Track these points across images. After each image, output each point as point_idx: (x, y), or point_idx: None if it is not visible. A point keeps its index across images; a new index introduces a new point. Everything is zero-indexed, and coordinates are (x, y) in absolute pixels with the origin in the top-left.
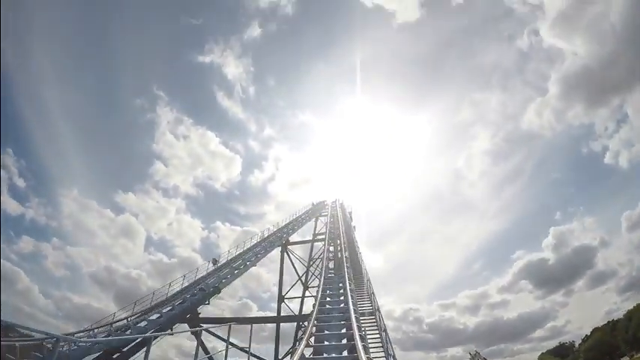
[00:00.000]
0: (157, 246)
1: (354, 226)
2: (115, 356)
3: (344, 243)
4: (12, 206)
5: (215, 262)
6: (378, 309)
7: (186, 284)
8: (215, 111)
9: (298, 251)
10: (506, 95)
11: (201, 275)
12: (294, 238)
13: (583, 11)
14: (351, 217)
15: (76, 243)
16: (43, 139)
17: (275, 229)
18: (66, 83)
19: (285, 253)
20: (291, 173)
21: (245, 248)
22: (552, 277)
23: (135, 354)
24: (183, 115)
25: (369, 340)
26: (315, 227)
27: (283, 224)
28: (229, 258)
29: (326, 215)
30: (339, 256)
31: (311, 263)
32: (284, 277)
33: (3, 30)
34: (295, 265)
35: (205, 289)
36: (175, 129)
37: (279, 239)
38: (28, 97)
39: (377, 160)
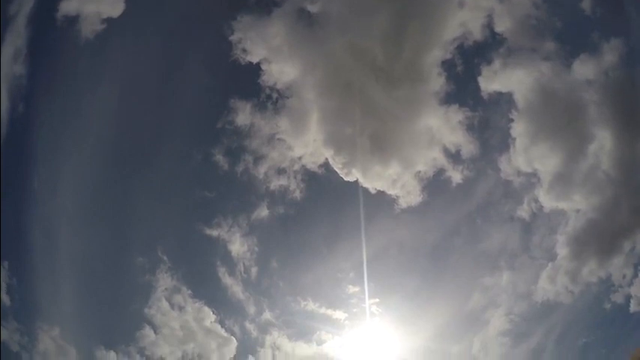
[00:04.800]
0: None
1: None
2: None
3: None
4: None
5: None
6: None
7: None
8: (215, 286)
9: None
10: (515, 273)
11: None
12: None
13: (576, 168)
14: None
15: None
16: (40, 265)
17: None
18: (75, 225)
19: None
20: None
21: None
22: None
23: None
24: (183, 285)
25: None
26: None
27: None
28: None
29: None
30: None
31: None
32: None
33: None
34: None
35: None
36: (172, 297)
37: None
38: (37, 219)
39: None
